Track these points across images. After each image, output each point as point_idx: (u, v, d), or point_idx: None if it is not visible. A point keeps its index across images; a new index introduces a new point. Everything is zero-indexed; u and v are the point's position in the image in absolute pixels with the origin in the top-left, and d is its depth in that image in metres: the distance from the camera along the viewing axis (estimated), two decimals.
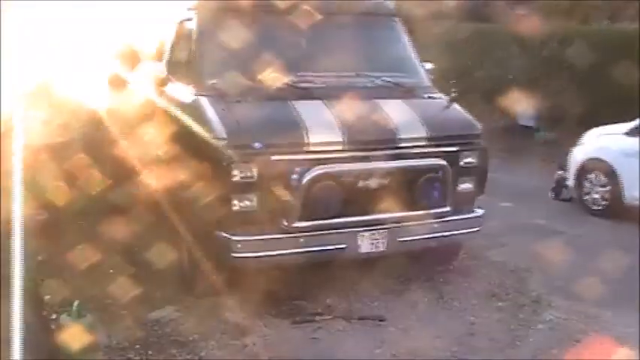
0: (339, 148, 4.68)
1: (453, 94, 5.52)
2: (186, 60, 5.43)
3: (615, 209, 7.74)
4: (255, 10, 5.42)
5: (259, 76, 5.07)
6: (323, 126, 4.70)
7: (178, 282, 5.20)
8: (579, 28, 14.13)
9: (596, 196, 7.92)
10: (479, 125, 5.35)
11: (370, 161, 4.76)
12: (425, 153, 4.96)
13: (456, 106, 5.47)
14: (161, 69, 5.50)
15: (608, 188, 7.77)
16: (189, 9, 5.68)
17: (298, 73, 5.23)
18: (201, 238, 4.82)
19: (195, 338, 4.47)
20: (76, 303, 4.25)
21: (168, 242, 5.19)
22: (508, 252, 6.41)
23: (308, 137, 4.60)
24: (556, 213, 8.15)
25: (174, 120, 5.21)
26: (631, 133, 7.56)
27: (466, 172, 5.14)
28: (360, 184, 4.75)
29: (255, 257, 4.60)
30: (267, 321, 4.74)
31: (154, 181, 5.41)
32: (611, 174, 7.68)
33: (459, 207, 5.17)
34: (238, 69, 5.19)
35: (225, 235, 4.58)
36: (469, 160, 5.19)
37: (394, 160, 4.84)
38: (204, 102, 4.88)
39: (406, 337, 4.57)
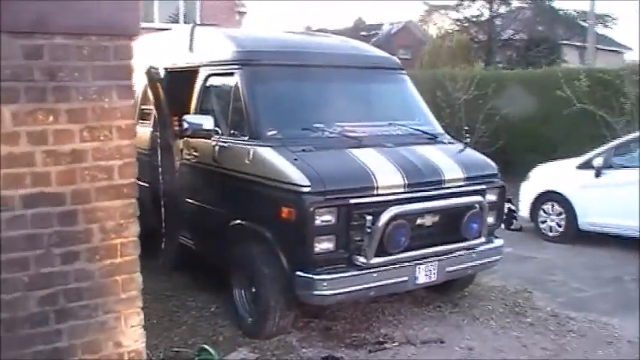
0: (402, 190, 5.20)
1: (467, 140, 6.23)
2: (232, 112, 5.72)
3: (569, 236, 8.80)
4: (295, 64, 5.86)
5: (310, 127, 5.52)
6: (385, 171, 5.20)
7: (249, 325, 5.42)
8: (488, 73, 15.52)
9: (552, 224, 8.95)
10: (495, 166, 6.06)
11: (426, 200, 5.30)
12: (463, 192, 5.58)
13: (470, 149, 6.17)
14: (207, 120, 5.71)
15: (563, 217, 8.81)
16: (219, 63, 6.01)
17: (337, 124, 5.70)
18: (277, 279, 5.11)
19: None
20: None
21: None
22: (499, 277, 7.15)
23: (377, 181, 5.08)
24: (515, 241, 9.04)
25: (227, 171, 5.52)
26: (582, 166, 8.66)
27: (491, 206, 5.80)
28: (419, 221, 5.29)
29: (336, 294, 4.97)
30: (346, 353, 5.10)
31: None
32: (566, 204, 8.72)
33: (487, 238, 5.82)
34: (290, 120, 5.63)
35: (305, 275, 4.92)
36: (492, 196, 5.87)
37: (443, 198, 5.41)
38: (269, 152, 5.22)
39: (474, 353, 5.14)
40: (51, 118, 3.01)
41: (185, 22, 18.57)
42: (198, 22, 15.69)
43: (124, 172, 3.23)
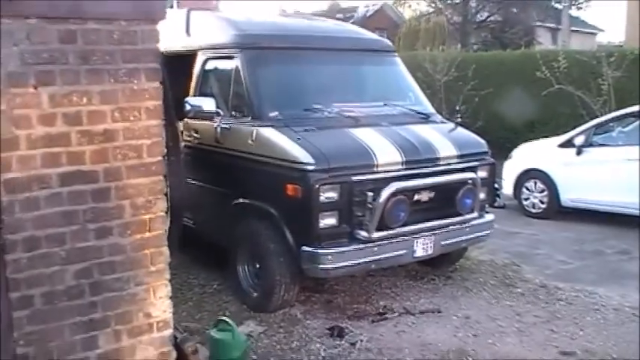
0: (400, 167, 5.42)
1: (458, 119, 6.47)
2: (233, 94, 5.88)
3: (551, 212, 9.12)
4: (293, 47, 6.04)
5: (310, 107, 5.71)
6: (384, 149, 5.41)
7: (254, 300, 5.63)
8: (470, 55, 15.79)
9: (535, 200, 9.27)
10: (485, 144, 6.31)
11: (423, 177, 5.53)
12: (457, 169, 5.81)
13: (461, 128, 6.41)
14: (208, 102, 5.85)
15: (545, 193, 9.12)
16: (218, 47, 6.16)
17: (335, 104, 5.89)
18: (282, 254, 5.32)
19: (297, 345, 4.97)
20: None
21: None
22: (487, 252, 7.43)
23: (376, 159, 5.30)
24: (500, 218, 9.29)
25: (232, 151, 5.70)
26: (564, 145, 8.97)
27: (482, 183, 6.05)
28: (416, 196, 5.52)
29: (339, 267, 5.20)
30: (350, 324, 5.33)
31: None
32: (548, 181, 9.04)
33: (479, 213, 6.07)
34: (291, 101, 5.82)
35: (311, 249, 5.13)
36: (483, 173, 6.12)
37: (438, 175, 5.64)
38: (273, 132, 5.40)
39: (471, 321, 5.41)
40: (85, 100, 3.16)
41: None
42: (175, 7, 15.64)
43: (153, 150, 3.40)
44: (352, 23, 7.68)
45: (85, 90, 3.16)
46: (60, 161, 3.13)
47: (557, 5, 29.71)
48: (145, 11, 3.31)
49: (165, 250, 3.55)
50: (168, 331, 3.61)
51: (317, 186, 4.99)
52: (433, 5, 31.29)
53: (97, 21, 3.16)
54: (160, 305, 3.55)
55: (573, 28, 29.16)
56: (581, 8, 31.03)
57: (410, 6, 32.86)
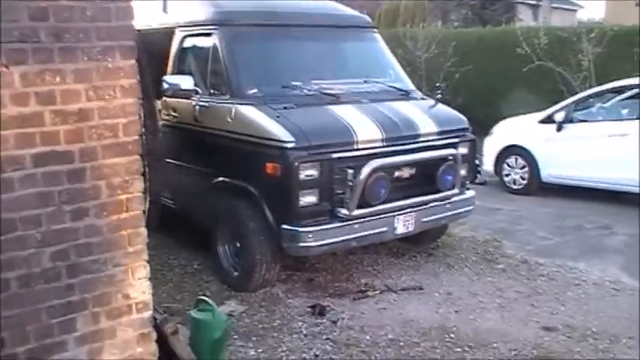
0: (380, 144, 5.39)
1: (439, 95, 6.45)
2: (211, 72, 5.81)
3: (532, 188, 9.17)
4: (271, 24, 5.97)
5: (289, 85, 5.65)
6: (364, 126, 5.38)
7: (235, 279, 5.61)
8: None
9: (516, 177, 9.30)
10: (466, 120, 6.30)
11: (403, 154, 5.51)
12: (438, 145, 5.80)
13: (441, 105, 6.39)
14: (186, 80, 5.77)
15: (526, 170, 9.16)
16: (196, 24, 6.07)
17: (314, 81, 5.84)
18: (262, 233, 5.29)
19: (279, 324, 4.96)
20: None
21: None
22: (469, 228, 7.45)
23: (357, 136, 5.27)
24: (481, 194, 9.32)
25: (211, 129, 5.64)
26: (544, 121, 8.99)
27: (463, 159, 6.05)
28: (397, 173, 5.51)
29: (320, 245, 5.18)
30: (331, 302, 5.33)
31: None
32: (529, 157, 9.07)
33: (460, 190, 6.07)
34: (270, 78, 5.76)
35: (291, 228, 5.11)
36: (464, 149, 6.12)
37: (419, 151, 5.63)
38: (252, 110, 5.35)
39: (453, 297, 5.44)
40: (58, 79, 3.08)
41: None
42: None
43: (129, 129, 3.33)
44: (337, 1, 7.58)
45: (59, 69, 3.08)
46: (34, 141, 3.06)
47: None
48: None
49: (143, 230, 3.50)
50: (148, 313, 3.58)
51: (297, 164, 4.96)
52: None
53: None
54: (139, 287, 3.52)
55: (554, 5, 29.17)
56: None
57: None
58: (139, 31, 6.46)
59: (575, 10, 37.25)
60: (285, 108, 5.30)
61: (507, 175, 9.43)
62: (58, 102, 3.11)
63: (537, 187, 9.15)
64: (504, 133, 9.60)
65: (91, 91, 3.19)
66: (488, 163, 9.59)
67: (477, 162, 9.81)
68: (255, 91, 5.52)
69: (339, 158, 5.15)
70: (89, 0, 3.14)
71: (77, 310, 3.31)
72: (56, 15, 3.05)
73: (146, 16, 6.75)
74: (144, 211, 6.13)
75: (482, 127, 9.83)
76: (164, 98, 6.18)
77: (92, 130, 3.22)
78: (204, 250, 6.07)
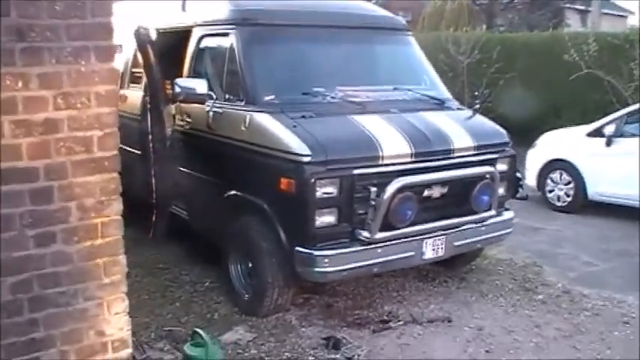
0: (409, 160, 4.86)
1: (477, 106, 5.88)
2: (228, 76, 5.36)
3: (577, 205, 8.50)
4: (294, 24, 5.49)
5: (310, 91, 5.16)
6: (391, 139, 4.85)
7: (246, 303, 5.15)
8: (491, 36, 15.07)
9: (560, 193, 8.64)
10: (506, 133, 5.72)
11: (434, 171, 4.96)
12: (473, 162, 5.24)
13: (479, 116, 5.82)
14: (200, 84, 5.34)
15: (571, 186, 8.49)
16: (214, 23, 5.64)
17: (338, 88, 5.33)
18: (275, 254, 4.82)
19: (287, 358, 4.48)
20: None
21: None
22: (506, 250, 6.84)
23: (382, 150, 4.74)
24: (521, 211, 8.68)
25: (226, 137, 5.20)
26: (592, 134, 8.32)
27: (502, 177, 5.47)
28: (426, 192, 4.96)
29: (338, 271, 4.67)
30: (349, 333, 4.82)
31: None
32: (575, 172, 8.40)
33: (497, 210, 5.50)
34: (289, 84, 5.28)
35: (306, 250, 4.61)
36: (503, 166, 5.54)
37: (452, 168, 5.08)
38: (267, 118, 4.87)
39: (484, 334, 4.86)
40: (20, 84, 2.68)
41: None
42: None
43: (105, 143, 2.90)
44: (375, 3, 7.07)
45: (21, 72, 2.68)
46: None
47: None
48: None
49: (122, 259, 3.05)
50: (126, 352, 3.14)
51: (313, 180, 4.46)
52: None
53: None
54: (116, 322, 3.08)
55: (603, 11, 28.09)
56: None
57: None
58: (157, 30, 6.19)
59: (626, 17, 35.95)
60: (303, 117, 4.81)
61: (551, 191, 8.77)
62: (20, 111, 2.70)
63: (582, 204, 8.48)
64: (549, 145, 8.95)
65: (60, 98, 2.76)
66: (530, 177, 8.95)
67: (518, 175, 9.22)
68: (272, 97, 5.04)
69: (361, 175, 4.64)
70: None
71: (42, 347, 2.91)
72: (19, 9, 2.64)
73: (164, 15, 6.38)
74: (155, 222, 5.82)
75: (525, 137, 9.23)
76: (178, 103, 5.74)
77: (60, 144, 2.79)
78: (218, 264, 5.60)
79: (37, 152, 2.73)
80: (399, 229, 4.77)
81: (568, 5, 29.87)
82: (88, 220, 2.90)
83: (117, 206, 2.97)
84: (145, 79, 5.95)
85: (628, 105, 9.59)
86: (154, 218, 5.66)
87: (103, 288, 3.00)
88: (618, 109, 9.09)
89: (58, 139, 2.77)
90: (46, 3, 2.68)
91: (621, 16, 35.22)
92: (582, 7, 29.52)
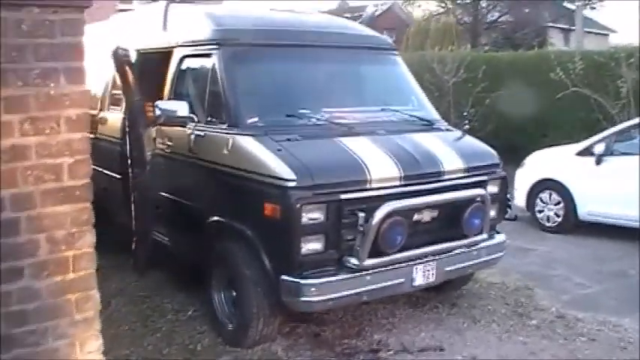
0: (397, 183, 4.70)
1: (466, 126, 5.74)
2: (210, 97, 5.20)
3: (568, 226, 8.38)
4: (278, 44, 5.35)
5: (295, 113, 5.01)
6: (379, 162, 4.70)
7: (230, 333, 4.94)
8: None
9: (550, 213, 8.51)
10: (496, 154, 5.58)
11: (424, 194, 4.81)
12: (464, 184, 5.09)
13: (469, 137, 5.69)
14: (181, 106, 5.17)
15: (561, 206, 8.37)
16: (195, 44, 5.48)
17: (324, 109, 5.19)
18: (260, 283, 4.63)
19: None
20: None
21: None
22: (497, 272, 6.67)
23: (370, 174, 4.58)
24: (511, 232, 8.53)
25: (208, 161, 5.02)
26: (582, 153, 8.22)
27: (493, 199, 5.33)
28: (416, 217, 4.80)
29: (325, 300, 4.49)
30: None
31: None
32: (565, 192, 8.28)
33: (489, 234, 5.34)
34: (274, 105, 5.13)
35: (291, 279, 4.43)
36: (494, 188, 5.39)
37: (442, 191, 4.92)
38: (250, 141, 4.71)
39: None
40: None
41: None
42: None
43: (76, 171, 2.70)
44: (360, 23, 6.94)
45: None
46: None
47: (570, 5, 28.89)
48: None
49: (95, 294, 2.85)
50: None
51: (298, 205, 4.28)
52: (443, 5, 30.50)
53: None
54: None
55: (586, 29, 28.32)
56: (594, 8, 30.16)
57: (419, 6, 32.08)
58: (137, 50, 6.02)
59: (607, 35, 36.28)
60: (288, 140, 4.65)
61: (540, 212, 8.65)
62: None
63: (573, 225, 8.36)
64: (538, 165, 8.83)
65: (27, 123, 2.58)
66: (519, 198, 8.81)
67: (507, 195, 9.09)
68: (255, 119, 4.88)
69: (348, 199, 4.47)
70: (26, 10, 2.51)
71: None
72: None
73: (145, 35, 6.22)
74: (135, 250, 5.61)
75: (513, 157, 9.10)
76: (159, 126, 5.56)
77: (28, 172, 2.60)
78: (202, 292, 5.40)
79: (2, 181, 2.53)
80: (388, 255, 4.59)
81: (551, 24, 30.11)
82: (58, 254, 2.70)
83: (89, 238, 2.78)
84: (124, 101, 5.77)
85: (615, 123, 9.53)
86: (133, 246, 5.45)
87: (75, 325, 2.79)
88: (605, 128, 9.02)
89: (25, 167, 2.58)
90: (12, 22, 2.49)
91: (603, 34, 35.54)
92: (565, 26, 29.76)
